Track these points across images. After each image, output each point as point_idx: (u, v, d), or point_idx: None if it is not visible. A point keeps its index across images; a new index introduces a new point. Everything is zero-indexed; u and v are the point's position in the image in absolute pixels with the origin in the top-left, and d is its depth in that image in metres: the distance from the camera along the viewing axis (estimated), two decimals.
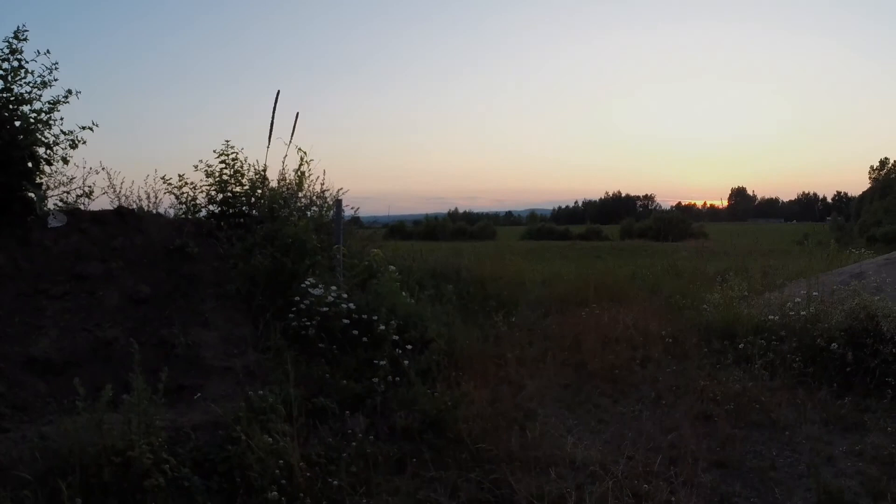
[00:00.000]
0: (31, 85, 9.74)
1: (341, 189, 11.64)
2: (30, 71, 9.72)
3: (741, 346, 9.18)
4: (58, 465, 5.35)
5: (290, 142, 10.66)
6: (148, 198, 11.54)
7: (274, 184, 10.90)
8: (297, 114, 10.56)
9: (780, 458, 6.86)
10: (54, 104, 9.81)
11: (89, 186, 10.93)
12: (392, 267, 9.91)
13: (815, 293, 9.71)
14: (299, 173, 10.77)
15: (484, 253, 19.25)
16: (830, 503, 5.90)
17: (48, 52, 9.81)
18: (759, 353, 8.86)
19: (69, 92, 9.97)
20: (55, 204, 10.19)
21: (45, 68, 9.80)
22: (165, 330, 8.07)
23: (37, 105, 9.72)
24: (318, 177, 11.41)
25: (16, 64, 9.56)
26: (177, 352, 7.77)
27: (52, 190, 10.48)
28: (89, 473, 5.43)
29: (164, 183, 11.50)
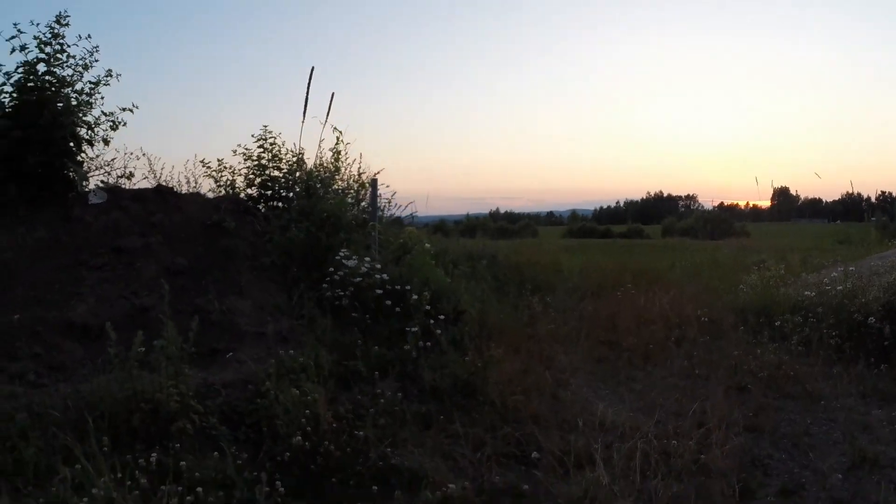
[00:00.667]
0: (72, 68, 9.96)
1: (378, 171, 11.75)
2: (72, 55, 9.95)
3: (777, 323, 9.07)
4: (88, 413, 5.42)
5: (326, 121, 10.74)
6: (188, 182, 11.72)
7: (310, 163, 10.99)
8: (333, 94, 10.65)
9: (814, 425, 6.77)
10: (96, 84, 10.04)
11: (130, 170, 11.15)
12: (427, 245, 9.94)
13: (851, 268, 9.59)
14: (335, 152, 10.84)
15: (521, 246, 19.23)
16: (865, 466, 5.83)
17: (89, 36, 10.07)
18: (796, 329, 8.75)
19: (110, 72, 10.20)
20: (96, 184, 10.38)
21: (86, 51, 10.04)
22: (201, 299, 8.17)
23: (78, 86, 9.94)
24: (355, 159, 11.50)
25: (57, 48, 9.78)
26: (211, 318, 7.85)
27: (94, 172, 10.71)
28: (118, 420, 5.52)
29: (203, 167, 11.66)
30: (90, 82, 10.00)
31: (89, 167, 10.53)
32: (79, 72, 10.00)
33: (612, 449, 5.79)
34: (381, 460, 5.52)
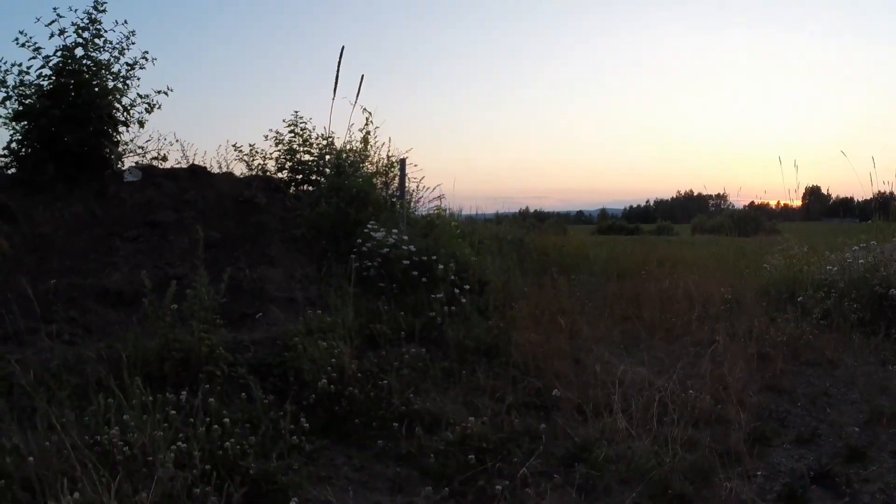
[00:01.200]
0: (108, 52, 10.24)
1: (408, 150, 11.96)
2: (109, 41, 10.23)
3: (800, 299, 9.13)
4: (121, 361, 5.60)
5: (356, 103, 10.91)
6: (219, 166, 11.99)
7: (339, 143, 11.18)
8: (362, 76, 10.80)
9: (833, 388, 6.85)
10: (132, 66, 10.30)
11: (164, 153, 11.42)
12: (454, 223, 10.10)
13: (873, 242, 9.62)
14: (365, 132, 11.02)
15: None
16: (882, 420, 5.89)
17: (125, 21, 10.34)
18: (818, 304, 8.81)
19: (146, 54, 10.46)
20: (131, 165, 10.65)
21: (122, 36, 10.31)
22: (232, 268, 8.36)
23: (115, 68, 10.22)
24: (384, 143, 11.69)
25: (94, 32, 10.06)
26: (243, 286, 8.05)
27: (128, 155, 10.98)
28: (150, 368, 5.70)
29: (235, 150, 11.92)
30: (127, 63, 10.26)
31: (124, 149, 10.82)
32: (115, 56, 10.29)
33: (631, 400, 5.91)
34: (403, 405, 5.67)
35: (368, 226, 8.86)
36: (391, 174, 11.18)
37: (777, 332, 8.04)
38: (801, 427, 5.85)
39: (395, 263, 8.52)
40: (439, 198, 11.62)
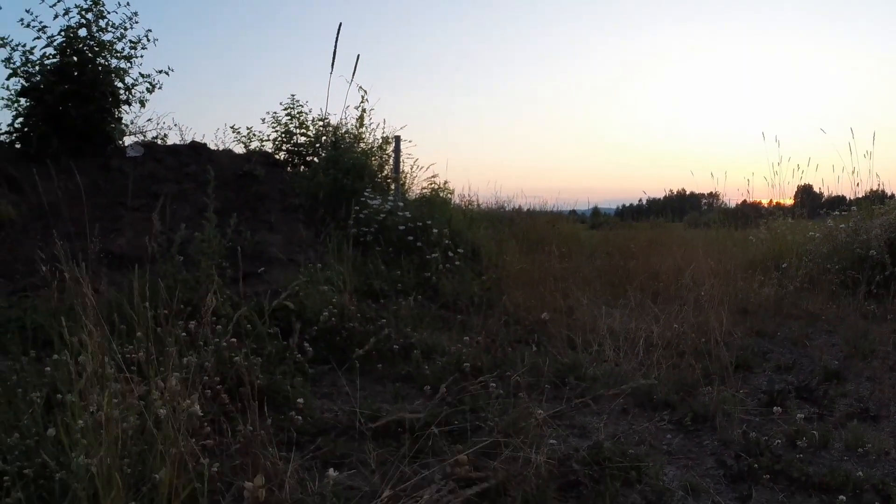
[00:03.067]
0: (111, 33, 10.53)
1: (402, 126, 12.22)
2: (111, 22, 10.53)
3: (784, 265, 9.39)
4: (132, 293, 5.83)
5: (351, 82, 11.14)
6: (218, 148, 12.24)
7: (335, 120, 11.44)
8: (358, 55, 11.03)
9: (814, 334, 7.11)
10: (136, 43, 10.58)
11: (164, 133, 11.72)
12: (448, 193, 10.37)
13: (854, 207, 9.89)
14: (361, 110, 11.27)
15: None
16: (859, 356, 6.16)
17: (128, 3, 10.64)
18: (801, 267, 9.08)
19: (148, 33, 10.74)
20: (133, 141, 10.93)
21: (125, 17, 10.61)
22: (233, 232, 8.62)
23: (118, 46, 10.51)
24: (379, 124, 11.95)
25: (98, 13, 10.35)
26: (244, 251, 8.28)
27: (130, 136, 11.27)
28: (158, 304, 5.93)
29: (233, 132, 12.20)
30: (130, 41, 10.55)
31: (126, 131, 11.09)
32: (117, 36, 10.57)
33: (618, 337, 6.19)
34: (401, 338, 5.94)
35: (365, 193, 9.13)
36: (386, 154, 11.41)
37: (761, 293, 8.30)
38: (781, 359, 6.12)
39: (392, 230, 8.78)
40: (433, 177, 11.88)
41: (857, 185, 9.71)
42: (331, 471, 3.30)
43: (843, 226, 9.45)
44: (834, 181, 11.51)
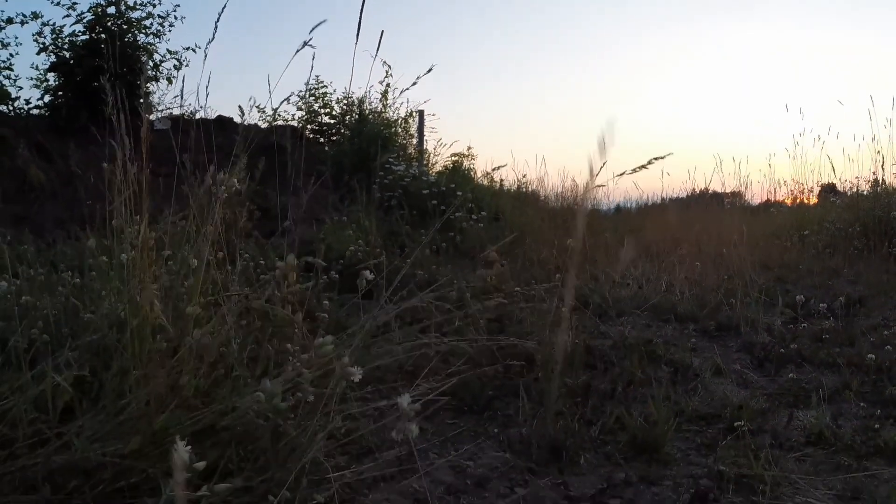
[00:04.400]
0: (140, 11, 10.72)
1: (426, 100, 12.33)
2: (139, 1, 10.72)
3: (806, 233, 9.39)
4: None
5: (376, 56, 11.22)
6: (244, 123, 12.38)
7: (360, 93, 11.55)
8: (382, 31, 11.13)
9: (833, 284, 7.09)
10: (164, 18, 10.76)
11: (191, 111, 11.87)
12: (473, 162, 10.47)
13: (875, 174, 9.89)
14: (385, 85, 11.39)
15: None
16: (884, 293, 6.17)
17: None
18: (822, 234, 9.09)
19: (176, 8, 10.92)
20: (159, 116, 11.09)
21: None
22: (259, 198, 8.74)
23: (147, 21, 10.69)
24: (402, 102, 12.09)
25: None
26: (270, 212, 8.39)
27: (156, 112, 11.41)
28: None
29: (258, 111, 12.34)
30: (159, 16, 10.73)
31: (153, 103, 11.24)
32: (145, 15, 10.76)
33: (642, 279, 6.25)
34: (426, 274, 6.01)
35: (390, 159, 9.21)
36: (410, 132, 11.52)
37: (780, 256, 8.34)
38: (804, 293, 6.13)
39: (416, 196, 8.85)
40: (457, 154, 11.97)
41: (878, 152, 9.56)
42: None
43: (864, 192, 9.44)
44: (855, 150, 11.36)
